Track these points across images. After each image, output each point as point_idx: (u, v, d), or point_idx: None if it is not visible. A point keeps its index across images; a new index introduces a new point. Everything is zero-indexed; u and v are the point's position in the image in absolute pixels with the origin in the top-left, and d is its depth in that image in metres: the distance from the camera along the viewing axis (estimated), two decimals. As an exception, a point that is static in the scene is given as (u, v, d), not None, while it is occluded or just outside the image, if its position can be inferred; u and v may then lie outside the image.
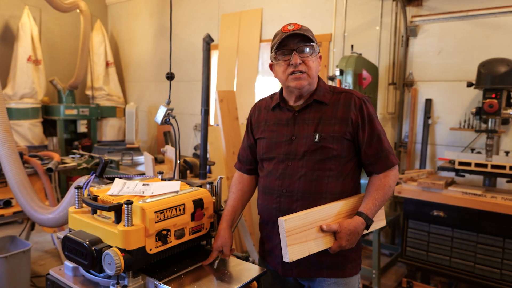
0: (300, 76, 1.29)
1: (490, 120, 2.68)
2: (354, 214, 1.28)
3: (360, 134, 1.31)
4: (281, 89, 1.42)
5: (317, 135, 1.29)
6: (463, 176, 2.81)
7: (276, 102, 1.40)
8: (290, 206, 1.30)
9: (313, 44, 1.30)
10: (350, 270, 1.35)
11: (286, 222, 1.15)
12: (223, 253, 1.34)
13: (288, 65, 1.30)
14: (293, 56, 1.28)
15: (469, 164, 2.63)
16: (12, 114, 4.57)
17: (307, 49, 1.29)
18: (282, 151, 1.34)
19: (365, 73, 3.04)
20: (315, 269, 1.33)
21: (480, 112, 2.69)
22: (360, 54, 3.14)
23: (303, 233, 1.18)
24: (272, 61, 1.37)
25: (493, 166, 2.54)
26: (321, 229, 1.21)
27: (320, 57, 1.36)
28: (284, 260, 1.16)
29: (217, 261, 1.30)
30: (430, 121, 3.36)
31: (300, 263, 1.29)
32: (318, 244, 1.21)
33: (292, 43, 1.29)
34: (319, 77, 1.40)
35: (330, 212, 1.25)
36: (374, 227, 1.34)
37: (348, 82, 2.96)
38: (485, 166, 2.57)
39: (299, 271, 1.34)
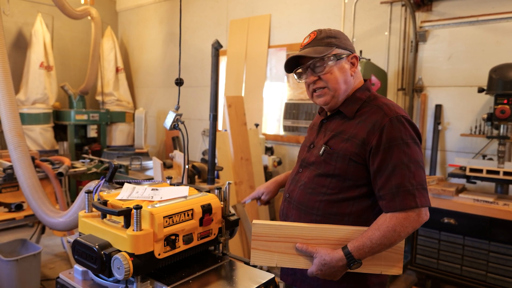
0: (321, 93, 1.21)
1: (502, 126, 2.65)
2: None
3: (371, 160, 1.13)
4: None
5: (324, 148, 1.22)
6: (475, 183, 2.76)
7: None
8: (288, 212, 1.30)
9: (328, 55, 1.17)
10: None
11: (254, 226, 1.18)
12: (260, 199, 1.41)
13: (308, 84, 1.23)
14: (307, 76, 1.21)
15: (480, 170, 2.59)
16: (24, 119, 4.66)
17: (319, 64, 1.18)
18: (302, 156, 1.34)
19: (373, 79, 3.03)
20: (306, 281, 1.25)
21: (491, 118, 2.66)
22: (369, 59, 3.14)
23: (274, 243, 1.17)
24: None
25: (506, 173, 2.50)
26: (296, 248, 1.16)
27: (356, 57, 1.22)
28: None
29: (247, 200, 1.46)
30: (440, 127, 3.32)
31: (296, 273, 1.29)
32: (290, 260, 1.17)
33: (304, 59, 1.20)
34: (365, 82, 1.26)
35: (314, 233, 1.16)
36: (373, 270, 1.14)
37: (356, 87, 2.95)
38: (497, 173, 2.53)
39: (293, 279, 1.30)
